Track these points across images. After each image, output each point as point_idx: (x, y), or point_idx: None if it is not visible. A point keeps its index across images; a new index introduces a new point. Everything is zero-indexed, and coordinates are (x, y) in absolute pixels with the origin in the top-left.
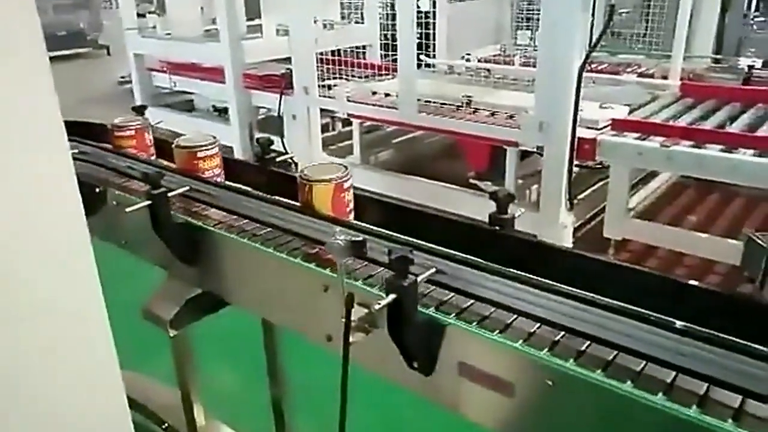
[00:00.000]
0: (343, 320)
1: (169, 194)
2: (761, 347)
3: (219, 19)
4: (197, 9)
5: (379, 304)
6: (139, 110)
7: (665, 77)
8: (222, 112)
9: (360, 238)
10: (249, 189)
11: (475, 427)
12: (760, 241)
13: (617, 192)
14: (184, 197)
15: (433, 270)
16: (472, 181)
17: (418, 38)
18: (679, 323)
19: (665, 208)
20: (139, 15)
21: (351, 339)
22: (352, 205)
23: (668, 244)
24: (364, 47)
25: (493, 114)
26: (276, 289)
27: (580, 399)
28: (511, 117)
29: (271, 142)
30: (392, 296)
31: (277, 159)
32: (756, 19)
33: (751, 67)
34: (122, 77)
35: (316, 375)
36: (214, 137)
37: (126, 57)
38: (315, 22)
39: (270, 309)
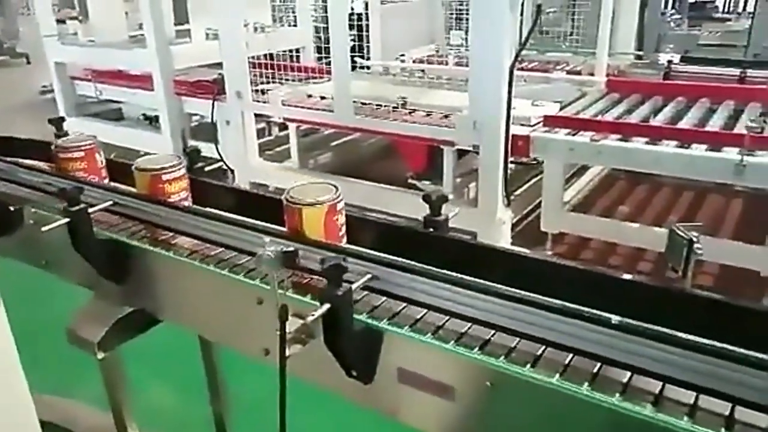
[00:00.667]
0: (278, 333)
1: (90, 210)
2: (690, 337)
3: (145, 24)
4: (121, 14)
5: (313, 315)
6: (57, 123)
7: (592, 74)
8: (153, 121)
9: (291, 249)
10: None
11: None
12: (681, 233)
13: (552, 187)
14: (110, 213)
15: (369, 276)
16: (411, 181)
17: (352, 40)
18: (614, 318)
19: (598, 201)
20: (59, 21)
21: (288, 351)
22: (344, 229)
23: (602, 235)
24: (298, 50)
25: (428, 114)
26: (209, 304)
27: (519, 398)
28: (446, 117)
29: (200, 151)
30: (326, 306)
31: (207, 168)
32: (672, 17)
33: (670, 62)
34: (44, 86)
35: (258, 389)
36: (179, 157)
37: (47, 65)
38: (245, 25)
39: (204, 325)
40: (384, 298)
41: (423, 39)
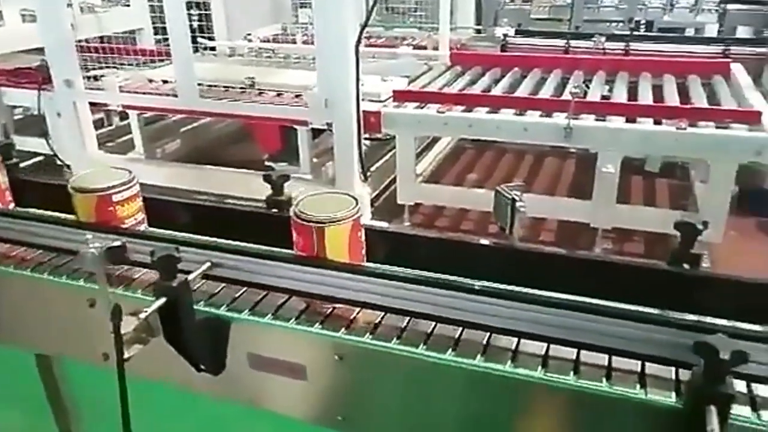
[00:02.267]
0: (113, 335)
1: None
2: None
3: None
4: None
5: (146, 311)
6: None
7: (436, 48)
8: None
9: (118, 243)
10: None
11: (279, 418)
12: (504, 193)
13: (405, 160)
14: None
15: (208, 264)
16: (267, 164)
17: (196, 20)
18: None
19: (449, 171)
20: None
21: (127, 353)
22: (365, 246)
23: (454, 203)
24: (134, 32)
25: (279, 94)
26: (35, 313)
27: (367, 368)
28: (297, 96)
29: (13, 145)
30: (162, 300)
31: (25, 163)
32: None
33: (505, 35)
34: None
35: (105, 397)
36: (130, 171)
37: None
38: (69, 5)
39: (33, 337)
40: (226, 285)
41: (269, 18)
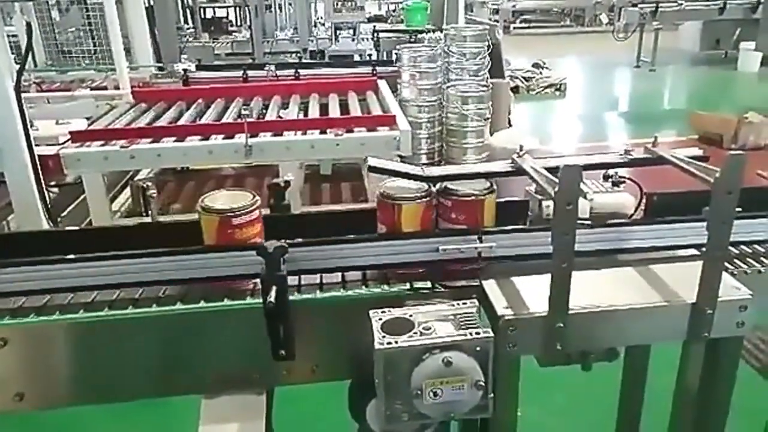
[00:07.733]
0: None
1: None
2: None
3: None
4: None
5: None
6: None
7: (118, 87)
8: None
9: None
10: None
11: None
12: (138, 184)
13: (96, 198)
14: None
15: None
16: None
17: None
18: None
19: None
20: None
21: None
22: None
23: None
24: None
25: None
26: None
27: (34, 344)
28: None
29: None
30: None
31: None
32: (188, 31)
33: (185, 70)
34: None
35: None
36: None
37: None
38: None
39: None
40: None
41: None
